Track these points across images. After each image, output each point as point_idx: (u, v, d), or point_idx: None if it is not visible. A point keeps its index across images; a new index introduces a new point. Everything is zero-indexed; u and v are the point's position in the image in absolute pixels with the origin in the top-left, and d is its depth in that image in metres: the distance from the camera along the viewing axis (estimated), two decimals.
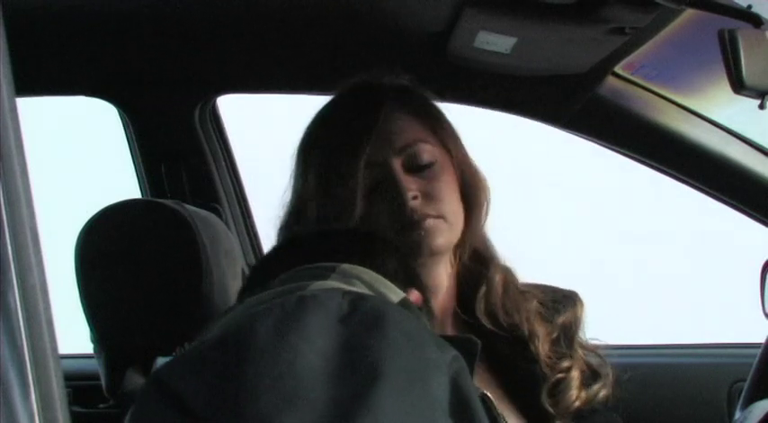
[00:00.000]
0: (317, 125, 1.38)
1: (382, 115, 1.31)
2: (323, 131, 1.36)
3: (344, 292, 0.86)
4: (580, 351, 1.38)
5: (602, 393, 1.37)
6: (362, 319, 0.80)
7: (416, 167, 1.31)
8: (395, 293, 0.98)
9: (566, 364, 1.35)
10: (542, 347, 1.34)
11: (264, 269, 1.12)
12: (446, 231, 1.30)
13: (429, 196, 1.29)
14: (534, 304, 1.37)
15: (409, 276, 1.09)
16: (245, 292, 1.10)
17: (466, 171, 1.35)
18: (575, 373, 1.35)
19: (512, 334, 1.34)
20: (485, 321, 1.34)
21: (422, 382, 0.77)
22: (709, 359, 2.25)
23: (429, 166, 1.31)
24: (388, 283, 0.99)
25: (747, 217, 1.90)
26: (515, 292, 1.37)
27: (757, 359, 1.73)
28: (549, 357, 1.34)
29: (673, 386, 2.16)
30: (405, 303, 0.98)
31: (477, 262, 1.37)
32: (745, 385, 1.73)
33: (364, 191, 1.28)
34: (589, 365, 1.38)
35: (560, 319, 1.38)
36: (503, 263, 1.38)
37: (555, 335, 1.36)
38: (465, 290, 1.37)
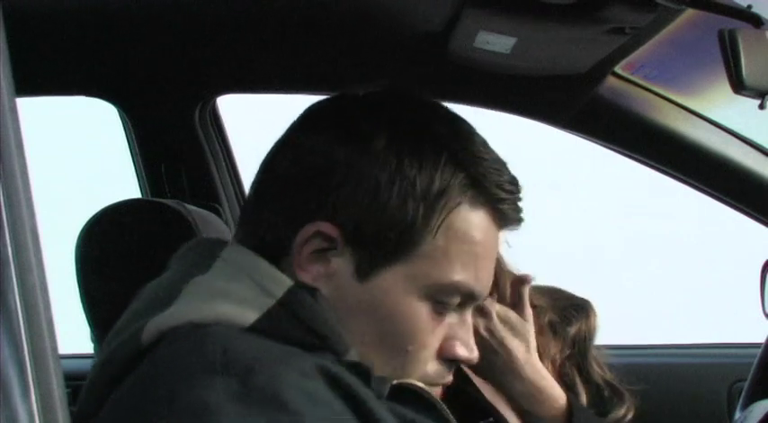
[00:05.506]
0: None
1: None
2: None
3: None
4: (596, 368, 1.35)
5: (629, 416, 1.34)
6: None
7: None
8: (281, 285, 0.91)
9: (577, 388, 1.31)
10: (552, 365, 1.30)
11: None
12: None
13: None
14: (546, 319, 1.33)
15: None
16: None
17: None
18: (584, 398, 1.31)
19: None
20: None
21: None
22: (709, 359, 2.25)
23: None
24: (277, 273, 0.92)
25: (747, 217, 1.90)
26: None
27: (757, 359, 1.73)
28: (560, 376, 1.31)
29: (673, 386, 2.16)
30: (293, 290, 0.91)
31: None
32: (745, 385, 1.73)
33: None
34: (609, 384, 1.35)
35: (572, 332, 1.35)
36: (512, 271, 1.31)
37: (568, 352, 1.33)
38: None
